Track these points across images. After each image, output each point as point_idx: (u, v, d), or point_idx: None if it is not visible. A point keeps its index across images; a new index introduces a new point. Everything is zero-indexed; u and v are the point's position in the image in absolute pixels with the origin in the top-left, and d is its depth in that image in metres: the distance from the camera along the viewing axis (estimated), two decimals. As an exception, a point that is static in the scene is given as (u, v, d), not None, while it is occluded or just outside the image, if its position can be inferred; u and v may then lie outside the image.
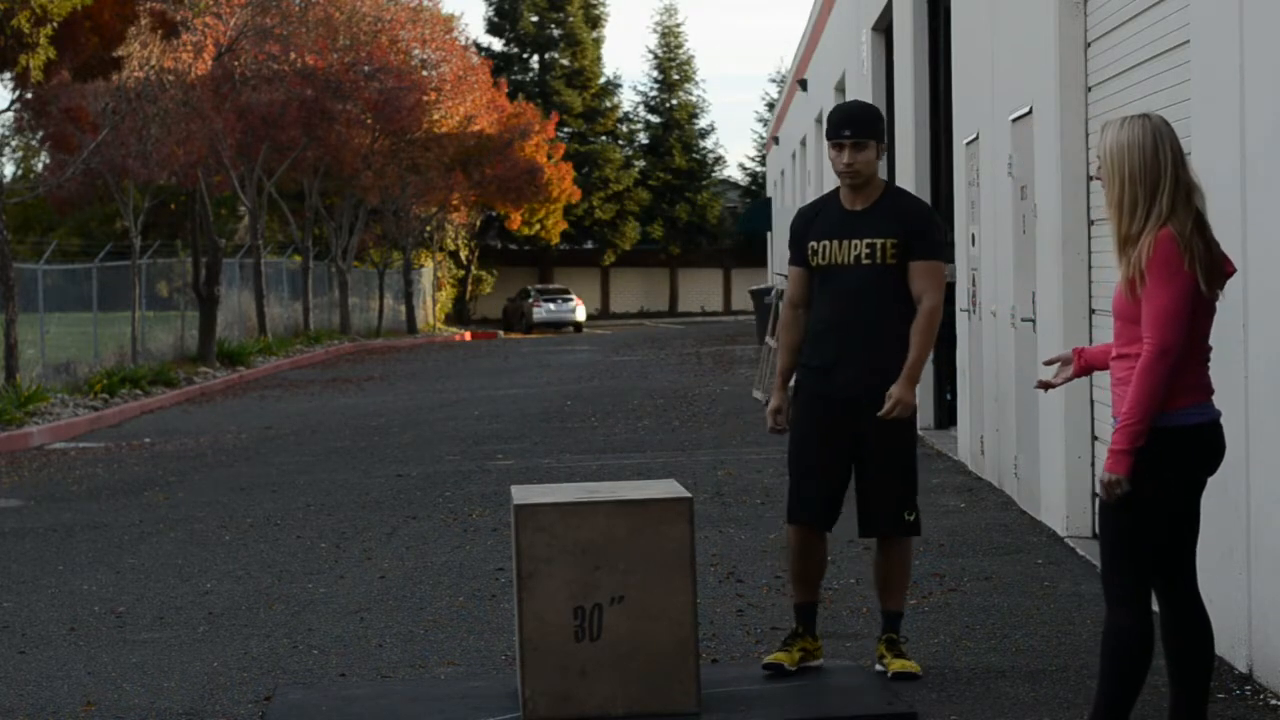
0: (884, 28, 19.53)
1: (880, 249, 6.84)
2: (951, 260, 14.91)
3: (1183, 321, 5.09)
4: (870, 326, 6.87)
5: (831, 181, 23.96)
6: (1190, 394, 5.17)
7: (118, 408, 22.82)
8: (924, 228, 6.93)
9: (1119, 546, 5.22)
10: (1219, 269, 5.21)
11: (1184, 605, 5.34)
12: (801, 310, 7.05)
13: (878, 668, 6.95)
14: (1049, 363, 5.76)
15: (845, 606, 8.38)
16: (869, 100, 20.26)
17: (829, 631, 7.81)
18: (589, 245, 73.74)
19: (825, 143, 7.03)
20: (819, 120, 29.51)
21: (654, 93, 76.70)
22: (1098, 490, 5.16)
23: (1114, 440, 5.11)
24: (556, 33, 73.34)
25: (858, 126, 6.85)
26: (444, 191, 47.71)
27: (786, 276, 7.19)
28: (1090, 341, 9.75)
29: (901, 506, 6.92)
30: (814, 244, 6.94)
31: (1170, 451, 5.14)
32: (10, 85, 24.33)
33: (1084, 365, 5.62)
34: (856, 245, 6.87)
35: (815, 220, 6.99)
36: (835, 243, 6.89)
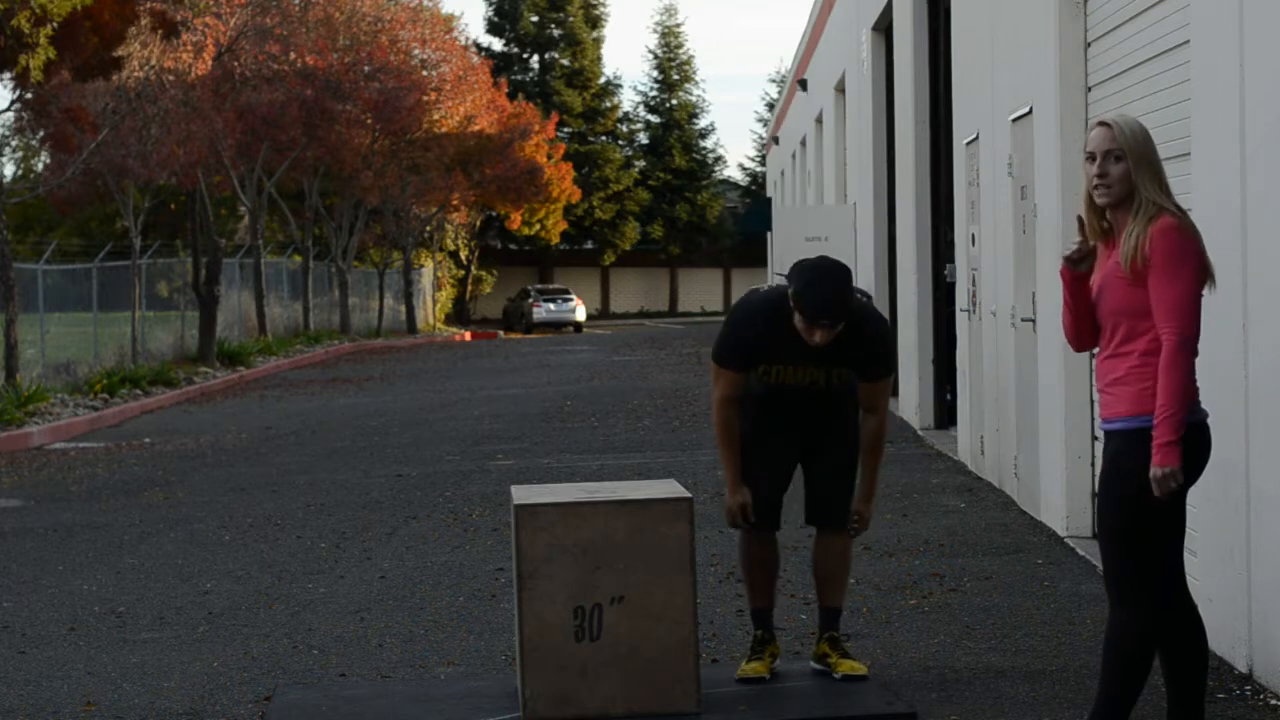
0: (884, 28, 19.53)
1: (836, 375, 6.80)
2: (952, 260, 14.92)
3: (1198, 310, 5.10)
4: (818, 410, 6.87)
5: (831, 181, 23.75)
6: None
7: (118, 408, 22.82)
8: (879, 352, 6.82)
9: (1125, 545, 5.22)
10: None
11: (1176, 603, 5.34)
12: (737, 405, 6.87)
13: (816, 666, 6.91)
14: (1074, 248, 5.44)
15: (844, 606, 8.36)
16: (869, 98, 20.24)
17: (829, 631, 7.82)
18: (589, 245, 73.77)
19: (797, 314, 6.58)
20: (819, 120, 29.50)
21: (654, 93, 76.74)
22: (1153, 488, 5.08)
23: (1159, 434, 5.05)
24: (556, 33, 73.36)
25: (835, 318, 6.54)
26: (444, 191, 47.69)
27: (713, 373, 6.90)
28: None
29: (849, 492, 6.92)
30: (766, 366, 6.78)
31: (1192, 447, 5.14)
32: (10, 85, 24.30)
33: (1081, 284, 5.39)
34: (812, 372, 6.77)
35: (768, 344, 6.75)
36: (791, 368, 6.77)
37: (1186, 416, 5.08)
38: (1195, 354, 5.12)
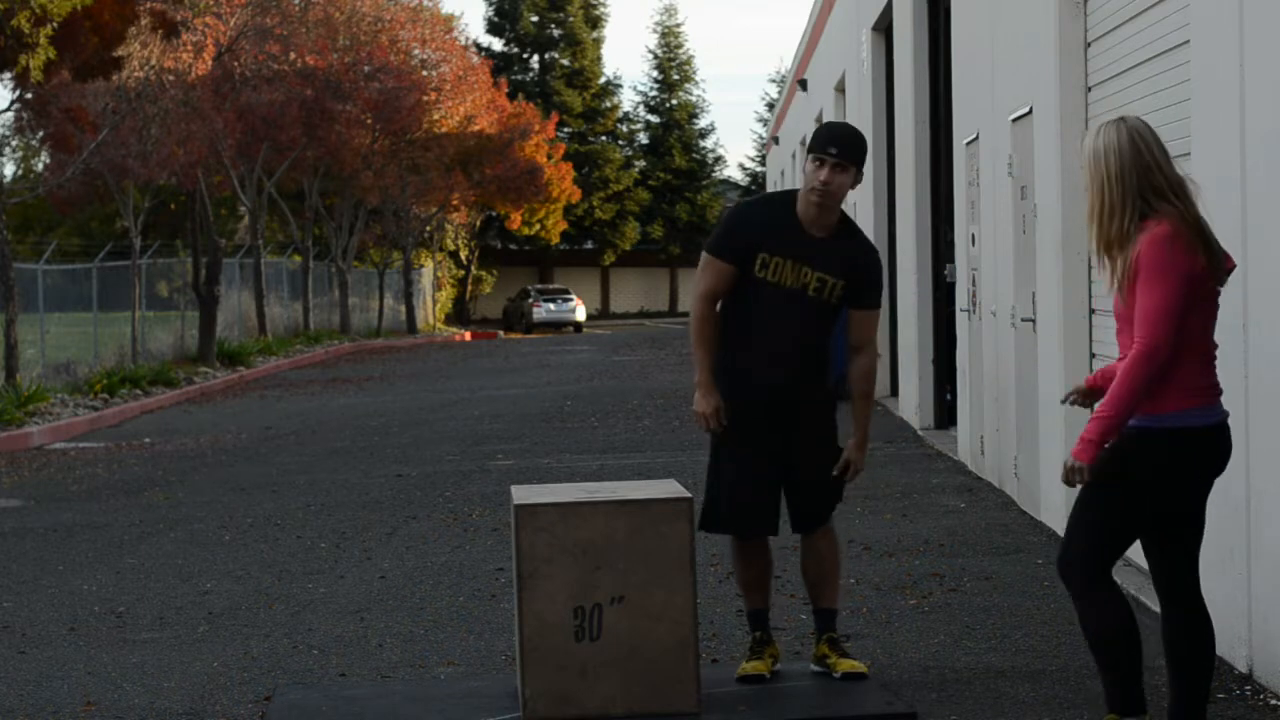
0: (884, 28, 19.53)
1: (830, 288, 6.70)
2: (952, 260, 14.92)
3: (1174, 321, 5.05)
4: (802, 347, 6.76)
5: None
6: (1198, 395, 5.14)
7: (118, 408, 22.82)
8: (874, 276, 6.81)
9: (1107, 531, 5.20)
10: (1219, 263, 5.20)
11: (1187, 606, 5.33)
12: (715, 305, 6.80)
13: (816, 669, 6.89)
14: (1067, 400, 5.67)
15: (844, 606, 8.36)
16: (869, 98, 20.25)
17: (829, 631, 7.83)
18: (589, 245, 73.80)
19: (808, 160, 6.67)
20: (819, 120, 29.51)
21: (654, 93, 76.76)
22: (1063, 476, 5.16)
23: (1088, 429, 5.10)
24: (556, 33, 73.39)
25: (844, 148, 6.61)
26: (444, 191, 47.71)
27: (701, 265, 6.81)
28: (1090, 341, 9.76)
29: (832, 499, 6.90)
30: (765, 256, 6.67)
31: (1178, 453, 5.13)
32: (10, 85, 24.31)
33: (1093, 386, 5.55)
34: (808, 274, 6.68)
35: (769, 231, 6.70)
36: (790, 264, 6.67)
37: (1123, 424, 5.08)
38: (1159, 366, 5.06)
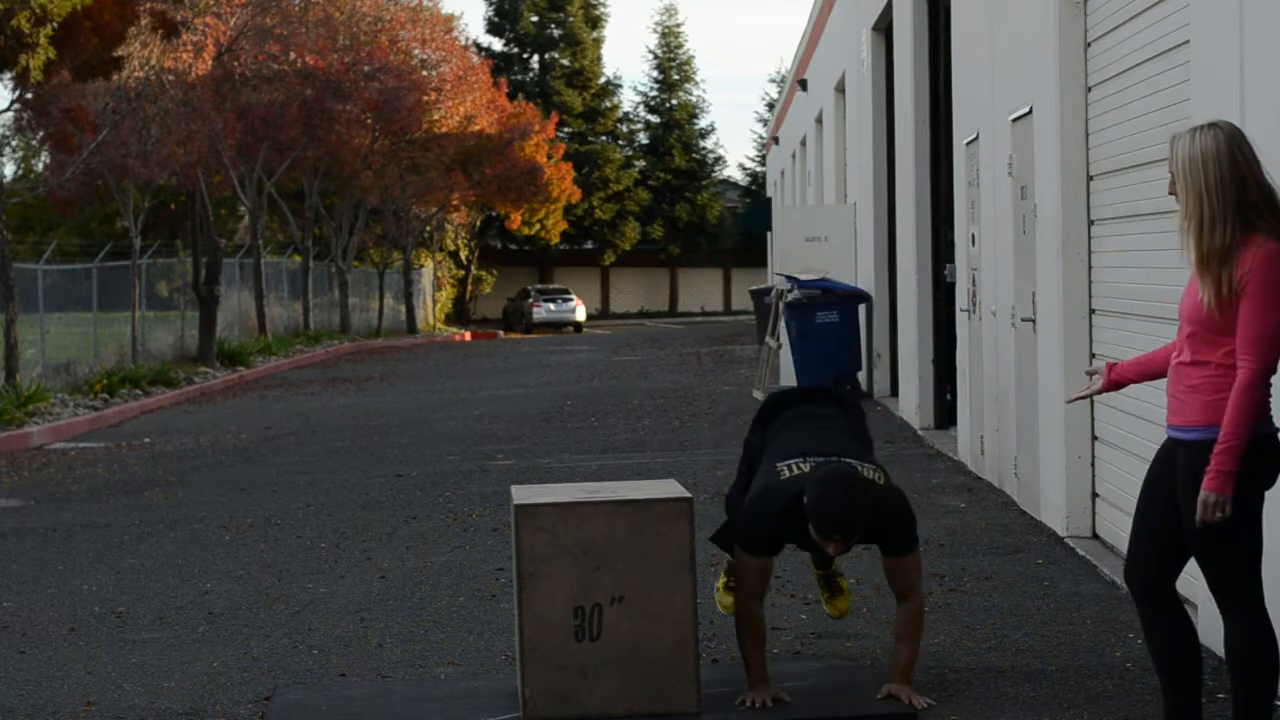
0: (884, 28, 19.54)
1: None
2: (952, 260, 14.92)
3: None
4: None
5: (831, 181, 23.71)
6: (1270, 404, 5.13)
7: (118, 408, 22.82)
8: (901, 534, 6.55)
9: (1255, 550, 5.10)
10: None
11: (1175, 611, 5.30)
12: (762, 604, 6.58)
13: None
14: (1091, 373, 5.67)
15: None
16: (869, 98, 20.23)
17: (829, 631, 7.82)
18: (589, 245, 73.81)
19: (811, 526, 6.28)
20: (819, 120, 29.50)
21: (654, 93, 76.78)
22: (1199, 509, 4.98)
23: (1219, 461, 4.93)
24: (556, 33, 73.41)
25: (848, 534, 6.26)
26: (444, 191, 47.71)
27: (738, 562, 6.62)
28: (1090, 341, 9.76)
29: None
30: (794, 546, 6.63)
31: (1264, 458, 5.07)
32: (10, 85, 24.31)
33: (1114, 380, 5.52)
34: (837, 548, 6.45)
35: (793, 537, 6.51)
36: (817, 551, 6.72)
37: (1248, 444, 4.97)
38: (1268, 384, 4.98)
